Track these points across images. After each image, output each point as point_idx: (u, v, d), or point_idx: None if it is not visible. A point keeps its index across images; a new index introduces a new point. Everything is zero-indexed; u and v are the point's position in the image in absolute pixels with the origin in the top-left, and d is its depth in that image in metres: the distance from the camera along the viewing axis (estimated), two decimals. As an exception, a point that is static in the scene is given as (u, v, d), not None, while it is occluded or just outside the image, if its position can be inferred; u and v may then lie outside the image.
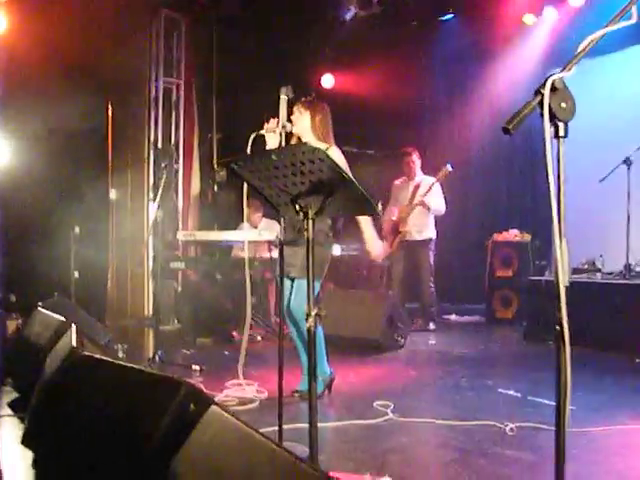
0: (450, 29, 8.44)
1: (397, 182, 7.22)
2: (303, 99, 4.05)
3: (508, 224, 7.83)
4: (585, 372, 4.46)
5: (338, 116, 4.27)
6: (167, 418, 1.81)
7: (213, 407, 1.74)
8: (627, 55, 7.21)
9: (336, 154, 3.89)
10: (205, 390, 4.07)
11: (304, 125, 3.97)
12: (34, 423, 2.60)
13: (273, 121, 3.54)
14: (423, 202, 6.72)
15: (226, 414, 1.72)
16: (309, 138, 3.98)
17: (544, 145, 1.34)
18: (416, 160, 7.00)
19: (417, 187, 6.86)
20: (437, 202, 6.82)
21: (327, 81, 9.13)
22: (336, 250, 6.65)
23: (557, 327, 1.37)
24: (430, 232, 6.95)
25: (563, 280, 1.33)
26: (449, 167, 6.64)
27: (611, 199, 6.52)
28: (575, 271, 6.57)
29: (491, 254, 7.60)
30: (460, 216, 7.11)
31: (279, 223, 3.39)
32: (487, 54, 8.31)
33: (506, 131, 1.38)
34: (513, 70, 8.06)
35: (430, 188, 6.69)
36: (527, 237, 7.51)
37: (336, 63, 8.91)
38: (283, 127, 3.26)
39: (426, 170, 7.08)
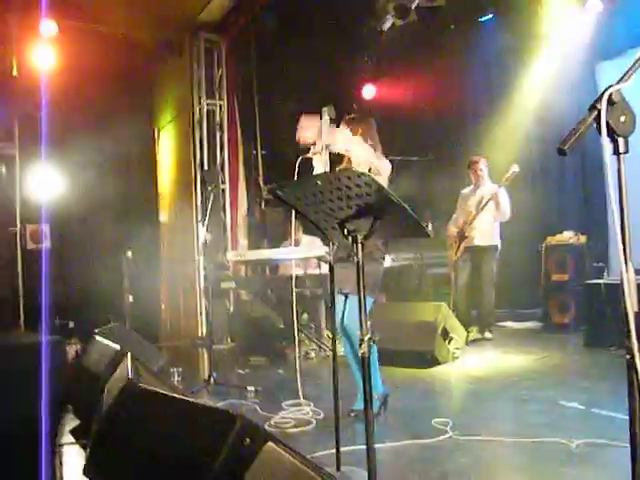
0: (490, 30, 8.30)
1: (464, 191, 7.12)
2: (347, 117, 4.00)
3: (562, 226, 7.61)
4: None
5: (380, 125, 4.22)
6: (223, 453, 1.79)
7: (269, 443, 1.71)
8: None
9: (386, 163, 3.85)
10: (261, 411, 4.10)
11: (351, 144, 3.87)
12: (95, 455, 2.63)
13: (318, 143, 3.51)
14: (496, 195, 6.56)
15: (282, 450, 1.69)
16: (358, 151, 3.87)
17: (604, 164, 1.26)
18: (484, 168, 6.88)
19: (484, 195, 6.77)
20: (504, 204, 6.69)
21: (368, 92, 9.10)
22: (387, 261, 6.60)
23: (627, 356, 1.29)
24: (495, 239, 6.83)
25: (632, 305, 1.26)
26: (515, 168, 6.49)
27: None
28: (638, 272, 6.33)
29: (545, 258, 7.39)
30: (512, 220, 6.93)
31: (321, 239, 3.37)
32: (529, 53, 8.13)
33: (561, 152, 1.31)
34: (557, 67, 7.87)
35: (496, 193, 6.57)
36: (582, 239, 7.27)
37: (376, 73, 8.88)
38: (327, 147, 3.23)
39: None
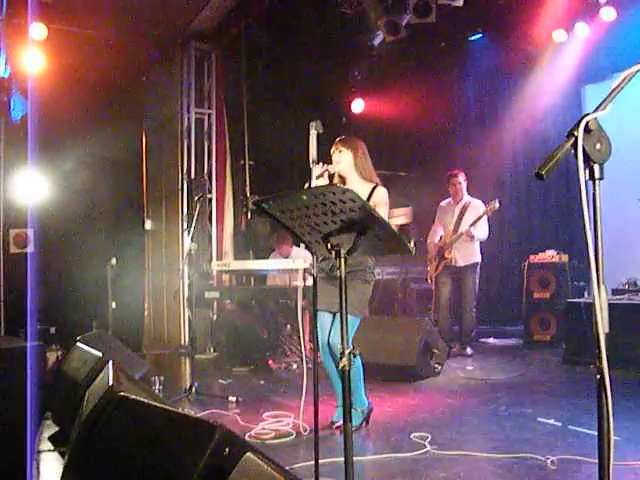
0: (480, 49, 8.41)
1: (443, 203, 7.18)
2: (340, 138, 4.08)
3: (544, 245, 7.70)
4: (629, 398, 4.33)
5: (369, 140, 4.28)
6: (202, 462, 1.81)
7: (248, 454, 1.72)
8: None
9: (382, 193, 3.94)
10: (242, 422, 4.10)
11: (346, 164, 4.00)
12: (73, 462, 2.62)
13: (320, 166, 3.58)
14: (469, 232, 6.67)
15: (261, 461, 1.71)
16: (352, 176, 4.02)
17: (579, 189, 1.31)
18: (462, 182, 6.95)
19: (464, 209, 6.83)
20: (481, 231, 6.77)
21: (357, 106, 9.16)
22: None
23: (597, 376, 1.33)
24: (476, 257, 6.88)
25: (603, 327, 1.29)
26: (497, 203, 6.59)
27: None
28: (615, 292, 6.42)
29: (527, 276, 7.47)
30: (495, 238, 7.01)
31: (310, 252, 3.40)
32: (518, 73, 8.26)
33: (539, 177, 1.36)
34: (545, 88, 7.99)
35: (477, 220, 6.65)
36: (564, 258, 7.37)
37: (366, 88, 8.95)
38: (326, 169, 3.32)
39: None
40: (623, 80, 1.41)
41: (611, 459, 1.31)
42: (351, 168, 4.01)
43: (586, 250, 1.35)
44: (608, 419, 1.31)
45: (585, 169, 1.36)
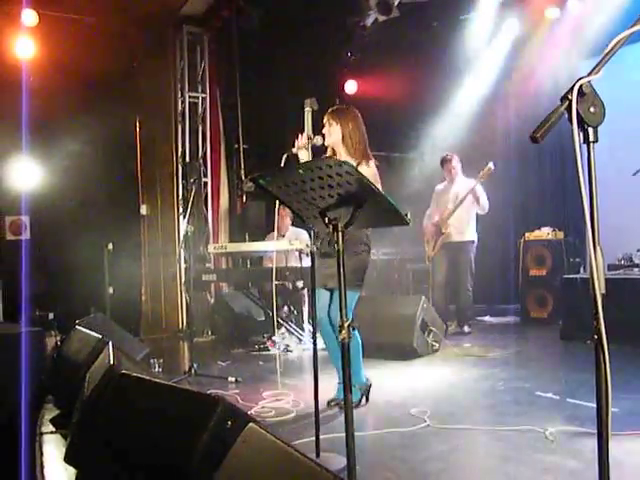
0: (472, 27, 8.36)
1: (438, 187, 7.18)
2: (332, 109, 3.95)
3: (540, 222, 7.73)
4: (625, 371, 4.38)
5: (363, 121, 4.23)
6: (205, 436, 1.83)
7: (251, 424, 1.75)
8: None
9: (365, 169, 3.78)
10: (242, 401, 4.13)
11: (336, 137, 3.87)
12: (76, 440, 2.65)
13: (302, 137, 3.53)
14: (473, 189, 6.62)
15: (263, 431, 1.73)
16: (341, 150, 3.90)
17: (574, 152, 1.32)
18: (456, 165, 6.95)
19: (459, 191, 6.83)
20: (482, 199, 6.76)
21: (350, 87, 9.13)
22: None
23: (595, 337, 1.35)
24: (471, 234, 6.90)
25: (599, 288, 1.31)
26: (491, 165, 6.56)
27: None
28: (611, 267, 6.45)
29: (523, 253, 7.51)
30: (490, 215, 7.03)
31: (307, 232, 3.40)
32: (511, 50, 8.22)
33: (534, 140, 1.36)
34: (539, 65, 7.97)
35: (472, 189, 6.64)
36: (560, 235, 7.40)
37: (359, 69, 8.92)
38: (309, 139, 3.26)
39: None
40: (615, 44, 1.41)
41: (609, 417, 1.33)
42: (340, 142, 3.87)
43: (582, 226, 1.36)
44: (606, 379, 1.33)
45: (579, 132, 1.37)
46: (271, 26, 7.81)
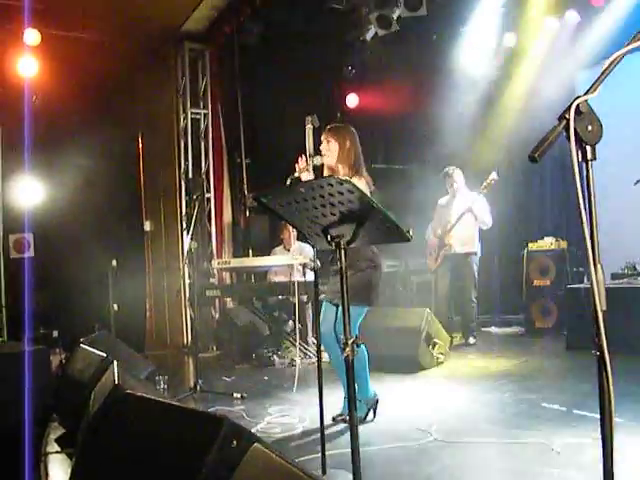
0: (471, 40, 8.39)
1: (441, 201, 7.19)
2: (329, 127, 4.01)
3: (543, 232, 7.73)
4: (629, 381, 4.36)
5: (364, 134, 4.26)
6: (210, 456, 1.83)
7: (256, 444, 1.74)
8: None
9: (359, 184, 3.84)
10: (247, 417, 4.13)
11: (334, 154, 3.92)
12: (81, 461, 2.64)
13: (302, 160, 3.58)
14: (470, 208, 6.65)
15: (269, 451, 1.73)
16: (339, 167, 3.94)
17: (572, 171, 1.33)
18: (458, 179, 6.96)
19: (461, 205, 6.84)
20: (483, 213, 6.77)
21: (351, 101, 9.17)
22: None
23: (597, 353, 1.35)
24: (474, 246, 6.90)
25: (600, 305, 1.32)
26: (494, 175, 6.57)
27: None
28: (615, 276, 6.45)
29: (527, 263, 7.50)
30: (494, 226, 7.04)
31: (312, 246, 3.42)
32: (510, 61, 8.26)
33: (532, 159, 1.37)
34: (538, 75, 8.01)
35: (469, 208, 6.66)
36: (563, 244, 7.40)
37: (359, 83, 8.96)
38: (310, 156, 3.29)
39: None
40: (612, 63, 1.43)
41: (613, 432, 1.33)
42: (336, 160, 3.93)
43: (582, 233, 1.37)
44: (609, 396, 1.33)
45: (578, 151, 1.38)
46: (272, 42, 7.86)
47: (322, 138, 3.94)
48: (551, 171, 8.31)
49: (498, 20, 7.79)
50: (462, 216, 6.74)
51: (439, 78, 8.59)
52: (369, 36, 7.31)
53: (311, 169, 3.45)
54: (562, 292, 6.73)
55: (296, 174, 3.60)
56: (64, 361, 5.59)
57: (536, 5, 7.44)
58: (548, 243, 7.45)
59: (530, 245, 7.55)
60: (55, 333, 7.00)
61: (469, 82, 8.72)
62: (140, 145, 8.58)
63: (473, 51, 8.19)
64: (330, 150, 3.92)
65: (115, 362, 3.32)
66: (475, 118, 8.70)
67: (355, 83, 9.01)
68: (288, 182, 3.31)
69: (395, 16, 6.87)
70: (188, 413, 2.16)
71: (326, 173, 3.97)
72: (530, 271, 7.48)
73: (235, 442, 1.83)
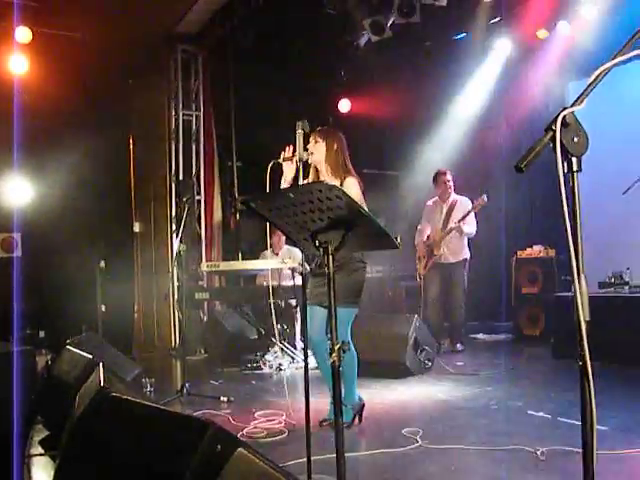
0: (464, 47, 8.45)
1: (429, 202, 7.21)
2: (319, 128, 4.06)
3: (532, 240, 7.77)
4: (615, 390, 4.39)
5: (356, 139, 4.29)
6: (195, 460, 1.82)
7: (240, 449, 1.74)
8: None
9: (351, 185, 3.87)
10: (234, 421, 4.12)
11: (320, 155, 3.98)
12: (65, 464, 2.63)
13: (289, 149, 3.60)
14: (459, 227, 6.72)
15: (253, 456, 1.73)
16: (325, 168, 4.00)
17: (558, 182, 1.34)
18: (449, 180, 6.99)
19: (451, 207, 6.88)
20: (470, 227, 6.82)
21: (344, 106, 9.19)
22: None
23: (579, 362, 1.36)
24: (464, 253, 6.94)
25: (584, 316, 1.33)
26: (485, 198, 6.66)
27: (637, 210, 6.45)
28: (602, 285, 6.48)
29: (516, 271, 7.54)
30: (483, 234, 7.08)
31: (300, 250, 3.43)
32: (502, 70, 8.31)
33: (518, 170, 1.39)
34: (529, 85, 8.06)
35: (466, 215, 6.71)
36: (551, 252, 7.44)
37: (352, 88, 8.98)
38: (299, 159, 3.31)
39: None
40: (597, 76, 1.44)
41: (594, 444, 1.34)
42: (322, 161, 3.99)
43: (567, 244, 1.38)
44: (591, 406, 1.35)
45: (564, 162, 1.39)
46: (265, 45, 7.86)
47: (310, 138, 3.98)
48: (540, 179, 8.34)
49: (491, 29, 7.83)
50: (451, 231, 6.79)
51: (432, 85, 8.63)
52: (362, 42, 7.34)
53: (295, 162, 3.48)
54: (550, 300, 6.76)
55: (279, 160, 3.64)
56: (50, 362, 5.55)
57: (528, 15, 7.48)
58: (537, 251, 7.49)
59: (519, 253, 7.59)
60: (42, 333, 6.96)
61: (462, 90, 8.77)
62: (131, 146, 8.55)
63: (466, 59, 8.23)
64: (317, 150, 3.97)
65: (101, 364, 3.31)
66: (467, 125, 8.75)
67: (348, 88, 9.04)
68: (270, 165, 3.41)
69: (389, 22, 6.90)
70: (173, 417, 2.15)
71: (312, 172, 4.02)
72: (519, 278, 7.52)
73: (219, 446, 1.82)
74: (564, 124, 1.38)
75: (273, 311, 4.36)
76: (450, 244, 6.85)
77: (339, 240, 2.11)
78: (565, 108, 1.40)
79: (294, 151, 3.56)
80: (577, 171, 1.40)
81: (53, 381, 4.07)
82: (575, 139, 1.39)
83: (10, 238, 7.28)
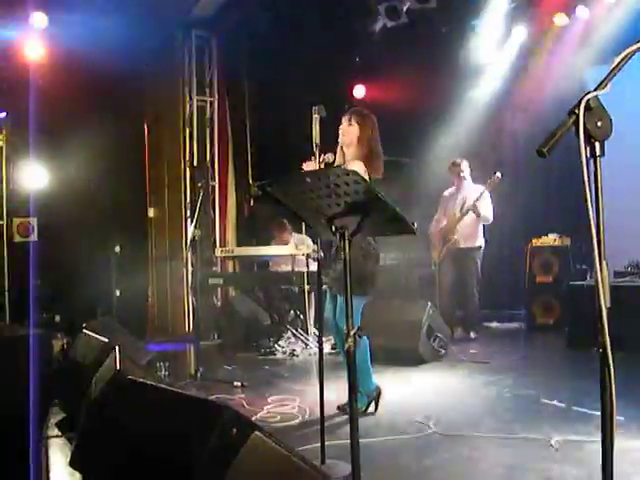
0: (481, 33, 8.34)
1: (446, 193, 7.17)
2: (356, 108, 3.99)
3: (547, 228, 7.70)
4: (633, 380, 4.35)
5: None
6: (211, 442, 1.83)
7: (256, 432, 1.75)
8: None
9: (356, 167, 3.80)
10: (247, 406, 4.14)
11: (353, 137, 3.86)
12: (81, 445, 2.66)
13: (310, 163, 3.54)
14: (475, 206, 6.65)
15: (268, 440, 1.74)
16: (352, 151, 3.88)
17: (581, 166, 1.32)
18: (465, 169, 6.94)
19: (467, 196, 6.83)
20: (486, 210, 6.76)
21: (358, 91, 9.13)
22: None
23: (600, 350, 1.35)
24: (479, 240, 6.89)
25: (605, 302, 1.31)
26: (499, 175, 6.58)
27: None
28: (617, 274, 6.42)
29: (530, 259, 7.49)
30: (498, 221, 7.02)
31: (309, 237, 3.43)
32: (520, 55, 8.22)
33: (541, 154, 1.37)
34: (547, 71, 7.96)
35: (481, 195, 6.65)
36: (566, 241, 7.38)
37: (367, 73, 8.91)
38: (323, 161, 3.29)
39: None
40: (623, 59, 1.41)
41: (614, 431, 1.33)
42: (355, 144, 3.86)
43: (588, 230, 1.37)
44: (611, 394, 1.33)
45: (586, 147, 1.37)
46: (280, 30, 7.82)
47: (344, 119, 3.87)
48: (557, 167, 8.26)
49: (508, 14, 7.74)
50: (467, 212, 6.73)
51: (448, 71, 8.55)
52: (378, 27, 7.28)
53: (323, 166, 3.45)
54: (564, 289, 6.72)
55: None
56: (66, 346, 5.61)
57: (546, 0, 7.39)
58: (552, 239, 7.43)
59: (534, 241, 7.53)
60: (57, 318, 7.02)
61: (478, 76, 8.69)
62: (146, 131, 8.57)
63: (483, 45, 8.15)
64: (350, 132, 3.85)
65: (117, 348, 3.33)
66: (483, 112, 8.67)
67: (363, 74, 8.97)
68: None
69: (404, 8, 6.84)
70: (189, 400, 2.17)
71: (339, 154, 3.90)
72: (533, 267, 7.46)
73: (235, 430, 1.84)
74: (587, 108, 1.36)
75: (287, 297, 4.39)
76: (464, 229, 6.81)
77: (356, 225, 2.10)
78: (589, 92, 1.37)
79: (318, 160, 3.51)
80: (600, 156, 1.38)
81: (70, 364, 4.12)
82: (599, 123, 1.37)
83: (27, 223, 7.33)
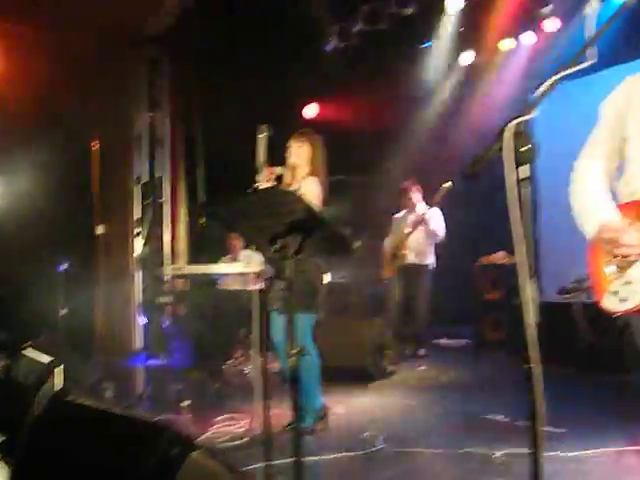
0: (430, 55, 8.55)
1: (397, 216, 7.27)
2: (303, 130, 4.12)
3: (494, 245, 7.85)
4: (574, 393, 4.47)
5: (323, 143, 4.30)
6: (149, 464, 1.81)
7: (195, 452, 1.74)
8: (614, 73, 7.31)
9: (312, 183, 3.91)
10: (195, 426, 4.09)
11: (305, 157, 4.02)
12: (20, 468, 2.58)
13: (267, 171, 3.60)
14: (424, 219, 6.74)
15: (209, 459, 1.73)
16: (304, 171, 4.01)
17: (507, 190, 1.37)
18: (413, 195, 7.05)
19: (419, 217, 6.92)
20: (437, 225, 6.87)
21: (310, 111, 9.21)
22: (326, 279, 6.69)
23: (525, 366, 1.40)
24: (429, 258, 7.00)
25: (532, 319, 1.36)
26: (447, 185, 6.69)
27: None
28: (561, 291, 6.59)
29: (479, 277, 7.63)
30: (446, 239, 7.15)
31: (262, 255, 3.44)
32: (468, 79, 8.44)
33: (467, 176, 1.42)
34: (493, 94, 8.19)
35: (430, 208, 6.75)
36: (514, 259, 7.52)
37: (319, 93, 9.01)
38: (272, 174, 3.33)
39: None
40: (548, 87, 1.48)
41: (542, 443, 1.38)
42: (306, 162, 4.02)
43: (537, 249, 1.42)
44: (540, 410, 1.38)
45: (512, 170, 1.43)
46: (230, 49, 7.84)
47: (292, 141, 4.03)
48: (504, 185, 8.47)
49: (457, 37, 7.96)
50: (417, 225, 6.83)
51: (399, 91, 8.72)
52: (329, 47, 7.38)
53: (273, 180, 3.51)
54: (512, 306, 6.85)
55: (258, 185, 3.63)
56: (7, 365, 5.44)
57: (492, 26, 7.62)
58: (500, 257, 7.58)
59: (482, 259, 7.68)
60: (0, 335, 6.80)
61: (428, 96, 8.88)
62: (95, 148, 8.43)
63: (433, 66, 8.35)
64: (301, 153, 4.01)
65: (59, 368, 3.26)
66: (434, 131, 8.85)
67: (315, 94, 9.06)
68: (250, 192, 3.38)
69: (355, 29, 6.96)
70: (128, 421, 2.14)
71: (288, 175, 4.00)
72: (482, 285, 7.61)
73: (175, 449, 1.82)
74: (514, 132, 1.41)
75: (237, 315, 4.36)
76: (414, 245, 6.91)
77: (297, 245, 2.11)
78: (515, 117, 1.43)
79: (270, 172, 3.60)
80: (527, 179, 1.44)
81: (11, 384, 3.99)
82: (524, 148, 1.43)
83: (-32, 239, 7.11)
